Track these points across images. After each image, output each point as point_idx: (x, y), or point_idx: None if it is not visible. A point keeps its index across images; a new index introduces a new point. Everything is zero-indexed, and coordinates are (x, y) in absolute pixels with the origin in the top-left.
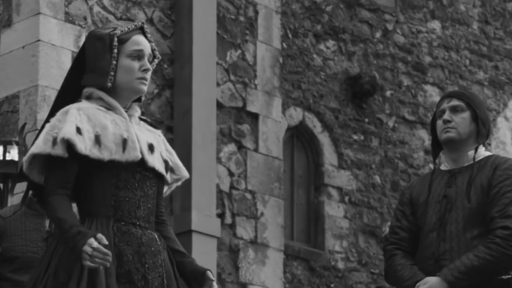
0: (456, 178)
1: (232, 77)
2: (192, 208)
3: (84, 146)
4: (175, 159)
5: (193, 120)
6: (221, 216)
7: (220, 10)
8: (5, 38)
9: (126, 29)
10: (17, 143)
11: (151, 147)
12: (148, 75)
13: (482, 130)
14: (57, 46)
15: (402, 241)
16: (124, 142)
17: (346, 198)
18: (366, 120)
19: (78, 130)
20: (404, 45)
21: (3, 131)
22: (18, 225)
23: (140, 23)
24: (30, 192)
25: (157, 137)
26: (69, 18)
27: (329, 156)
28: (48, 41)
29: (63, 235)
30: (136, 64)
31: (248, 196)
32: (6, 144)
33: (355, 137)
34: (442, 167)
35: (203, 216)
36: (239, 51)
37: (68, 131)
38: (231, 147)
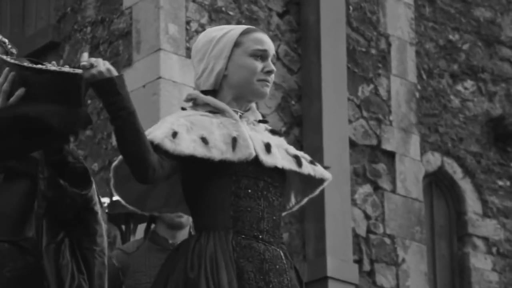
0: None
1: (365, 113)
2: (327, 253)
3: (187, 146)
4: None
5: (324, 159)
6: (358, 262)
7: (350, 43)
8: (126, 77)
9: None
10: None
11: (267, 147)
12: (272, 78)
13: None
14: (179, 83)
15: None
16: (234, 141)
17: (494, 249)
18: None
19: (174, 135)
20: None
21: None
22: (142, 261)
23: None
24: (153, 225)
25: (278, 139)
26: (190, 54)
27: (472, 203)
28: (169, 78)
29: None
30: (259, 65)
31: (387, 241)
32: None
33: (500, 183)
34: None
35: (339, 261)
36: (371, 86)
37: (160, 133)
38: (367, 188)
